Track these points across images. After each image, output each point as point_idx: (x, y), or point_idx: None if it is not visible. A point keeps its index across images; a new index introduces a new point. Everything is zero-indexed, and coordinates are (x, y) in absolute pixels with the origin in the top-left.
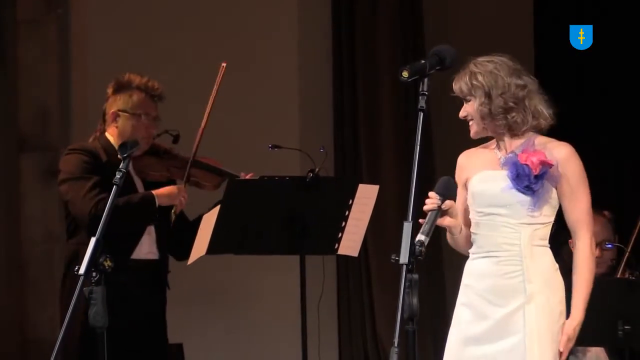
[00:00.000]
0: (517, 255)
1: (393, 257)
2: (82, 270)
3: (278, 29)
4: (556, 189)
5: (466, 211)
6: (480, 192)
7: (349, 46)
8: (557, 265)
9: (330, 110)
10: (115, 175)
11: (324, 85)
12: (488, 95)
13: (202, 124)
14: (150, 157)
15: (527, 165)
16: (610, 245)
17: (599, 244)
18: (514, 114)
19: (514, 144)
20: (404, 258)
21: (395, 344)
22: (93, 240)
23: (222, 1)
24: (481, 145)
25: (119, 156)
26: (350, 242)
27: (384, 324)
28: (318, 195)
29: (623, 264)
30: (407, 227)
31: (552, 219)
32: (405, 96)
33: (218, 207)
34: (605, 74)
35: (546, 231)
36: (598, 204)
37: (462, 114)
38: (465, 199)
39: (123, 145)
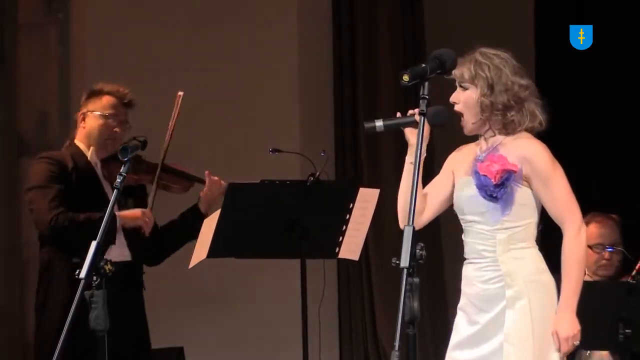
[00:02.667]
0: (494, 262)
1: (394, 261)
2: (82, 274)
3: (278, 32)
4: (531, 188)
5: (437, 189)
6: (457, 200)
7: (350, 50)
8: (543, 266)
9: (330, 114)
10: (79, 181)
11: (325, 89)
12: (490, 88)
13: (169, 133)
14: (116, 162)
15: (485, 175)
16: (611, 249)
17: (607, 247)
18: (513, 113)
19: (490, 144)
20: (404, 262)
21: (396, 348)
22: (94, 244)
23: (222, 5)
24: (475, 142)
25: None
26: (351, 246)
27: (384, 327)
28: (319, 199)
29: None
30: (408, 231)
31: (532, 219)
32: (405, 100)
33: (219, 211)
34: (605, 74)
35: (526, 233)
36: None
37: (453, 98)
38: (444, 183)
39: (124, 149)
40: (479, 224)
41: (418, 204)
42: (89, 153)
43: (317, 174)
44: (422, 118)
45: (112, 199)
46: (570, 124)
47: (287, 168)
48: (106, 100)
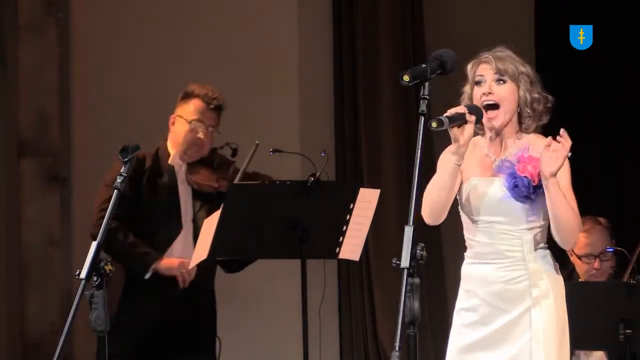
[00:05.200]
0: (521, 260)
1: (394, 261)
2: (83, 275)
3: (278, 33)
4: None
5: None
6: (476, 201)
7: (350, 50)
8: (557, 264)
9: (331, 114)
10: (151, 183)
11: (325, 89)
12: (532, 83)
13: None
14: (203, 167)
15: (525, 177)
16: (611, 249)
17: (597, 256)
18: (546, 118)
19: (508, 146)
20: (405, 262)
21: (397, 348)
22: (94, 244)
23: (223, 5)
24: (471, 141)
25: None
26: (352, 246)
27: (385, 328)
28: (319, 200)
29: (629, 271)
30: (408, 231)
31: (547, 220)
32: (406, 100)
33: (219, 211)
34: (605, 74)
35: (545, 233)
36: (597, 205)
37: (489, 89)
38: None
39: (124, 150)
40: (503, 225)
41: (451, 200)
42: (171, 156)
43: (318, 174)
44: (422, 118)
45: (112, 199)
46: (570, 123)
47: (287, 168)
48: (193, 104)
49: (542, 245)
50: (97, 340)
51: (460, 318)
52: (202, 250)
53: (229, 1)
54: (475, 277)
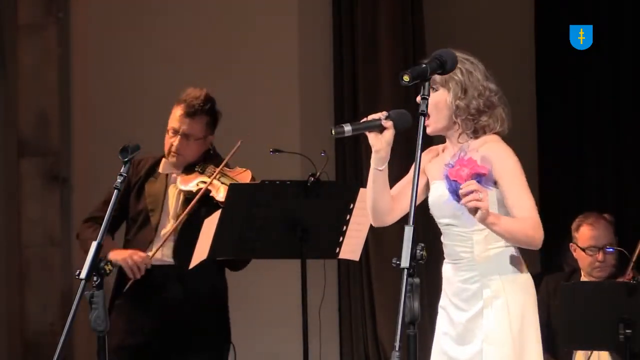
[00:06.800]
0: (472, 261)
1: (394, 261)
2: (83, 275)
3: (278, 33)
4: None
5: (405, 188)
6: (433, 204)
7: (350, 50)
8: (520, 265)
9: (330, 114)
10: (139, 187)
11: (325, 89)
12: (464, 92)
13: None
14: (193, 172)
15: (455, 180)
16: (611, 250)
17: (601, 248)
18: (485, 118)
19: (462, 149)
20: (405, 262)
21: (397, 348)
22: (94, 244)
23: (224, 6)
24: (442, 145)
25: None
26: (352, 246)
27: (385, 327)
28: (319, 200)
29: (630, 269)
30: (408, 231)
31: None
32: (406, 100)
33: (219, 211)
34: (605, 74)
35: None
36: (597, 205)
37: (424, 112)
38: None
39: (124, 150)
40: (457, 227)
41: (385, 203)
42: (161, 165)
43: (318, 174)
44: (422, 118)
45: (112, 199)
46: (570, 123)
47: (288, 168)
48: (174, 112)
49: (497, 245)
50: (97, 340)
51: (438, 316)
52: (202, 251)
53: (229, 1)
54: (444, 276)
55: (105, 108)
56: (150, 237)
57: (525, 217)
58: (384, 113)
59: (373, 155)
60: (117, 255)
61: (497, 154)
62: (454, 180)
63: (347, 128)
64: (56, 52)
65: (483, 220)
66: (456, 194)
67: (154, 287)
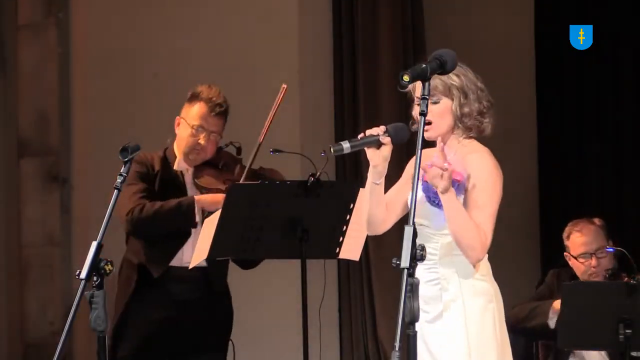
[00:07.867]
0: (435, 264)
1: (394, 261)
2: (83, 275)
3: (278, 32)
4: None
5: (394, 197)
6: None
7: (350, 50)
8: (485, 272)
9: (330, 114)
10: (162, 187)
11: (325, 89)
12: (466, 96)
13: (260, 139)
14: (210, 169)
15: (426, 182)
16: (611, 250)
17: (593, 254)
18: (487, 119)
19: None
20: (405, 262)
21: (397, 348)
22: (94, 244)
23: (223, 6)
24: (432, 149)
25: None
26: (352, 246)
27: (385, 327)
28: (319, 200)
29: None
30: (408, 231)
31: None
32: (406, 100)
33: (220, 211)
34: (605, 74)
35: None
36: (597, 205)
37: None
38: (403, 189)
39: (124, 150)
40: (428, 228)
41: (380, 213)
42: (176, 162)
43: (318, 174)
44: (422, 118)
45: (112, 199)
46: (570, 123)
47: (287, 168)
48: (196, 109)
49: None
50: (97, 340)
51: None
52: (202, 250)
53: (229, 2)
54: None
55: (105, 108)
56: (187, 236)
57: (480, 228)
58: (382, 128)
59: (370, 170)
60: (210, 200)
61: (478, 167)
62: (425, 181)
63: (346, 145)
64: (56, 52)
65: (445, 189)
66: (428, 197)
67: (173, 284)
